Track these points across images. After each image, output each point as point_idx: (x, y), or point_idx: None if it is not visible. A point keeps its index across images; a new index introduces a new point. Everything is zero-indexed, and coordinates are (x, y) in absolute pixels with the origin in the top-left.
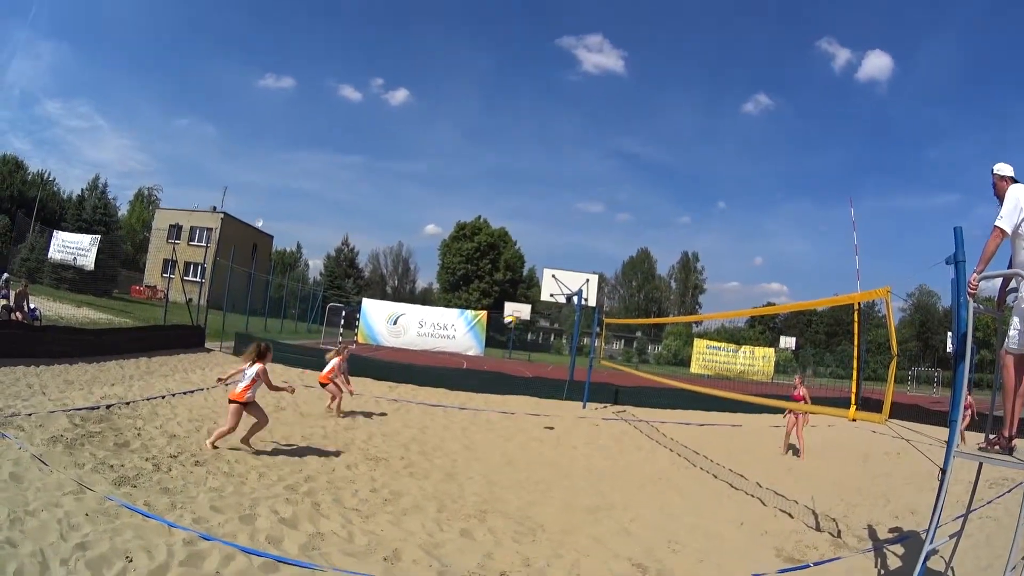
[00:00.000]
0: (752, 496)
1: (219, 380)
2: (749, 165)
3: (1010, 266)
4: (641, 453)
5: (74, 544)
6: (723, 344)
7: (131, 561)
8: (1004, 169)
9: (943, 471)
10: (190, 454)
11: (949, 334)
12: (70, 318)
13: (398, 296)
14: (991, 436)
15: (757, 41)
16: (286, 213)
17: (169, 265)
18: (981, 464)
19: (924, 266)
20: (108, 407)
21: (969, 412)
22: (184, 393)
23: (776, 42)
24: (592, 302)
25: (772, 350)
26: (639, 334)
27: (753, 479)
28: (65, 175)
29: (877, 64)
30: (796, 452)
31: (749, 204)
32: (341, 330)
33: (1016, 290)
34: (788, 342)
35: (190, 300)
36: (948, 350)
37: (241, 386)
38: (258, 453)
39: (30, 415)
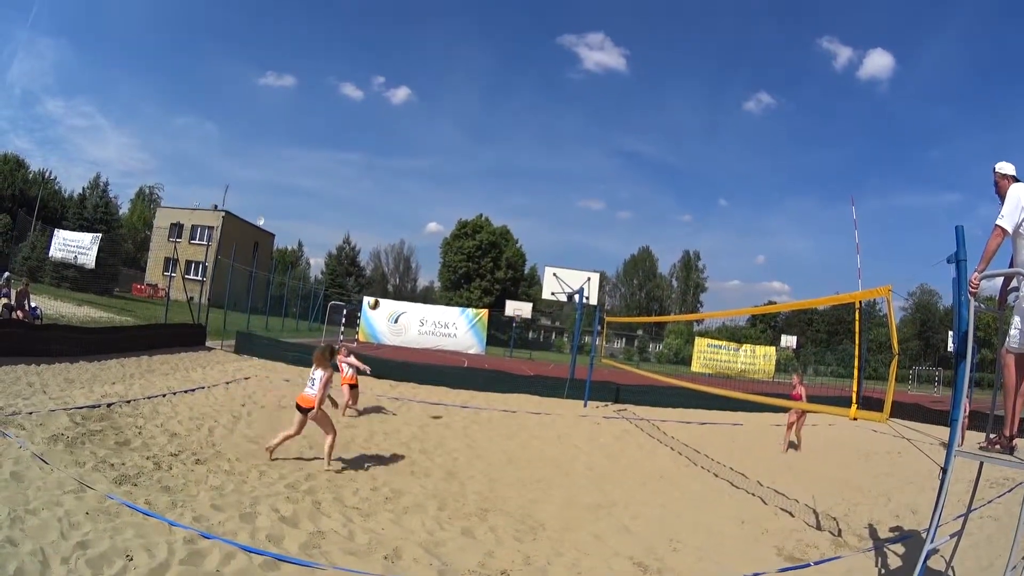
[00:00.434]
0: (753, 495)
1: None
2: (750, 163)
3: (1011, 265)
4: (642, 451)
5: (75, 542)
6: (724, 343)
7: (132, 560)
8: (1006, 168)
9: (944, 470)
10: (191, 452)
11: (950, 333)
12: (71, 317)
13: (399, 295)
14: (992, 436)
15: (758, 40)
16: (287, 211)
17: (170, 263)
18: (982, 464)
19: (925, 265)
20: (109, 406)
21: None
22: (185, 391)
23: (778, 41)
24: (593, 300)
25: (773, 349)
26: (640, 332)
27: (754, 478)
28: (66, 174)
29: (879, 63)
30: (795, 447)
31: (750, 202)
32: (342, 328)
33: (1017, 289)
34: (789, 341)
35: (191, 298)
36: (949, 349)
37: (313, 392)
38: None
39: (31, 414)
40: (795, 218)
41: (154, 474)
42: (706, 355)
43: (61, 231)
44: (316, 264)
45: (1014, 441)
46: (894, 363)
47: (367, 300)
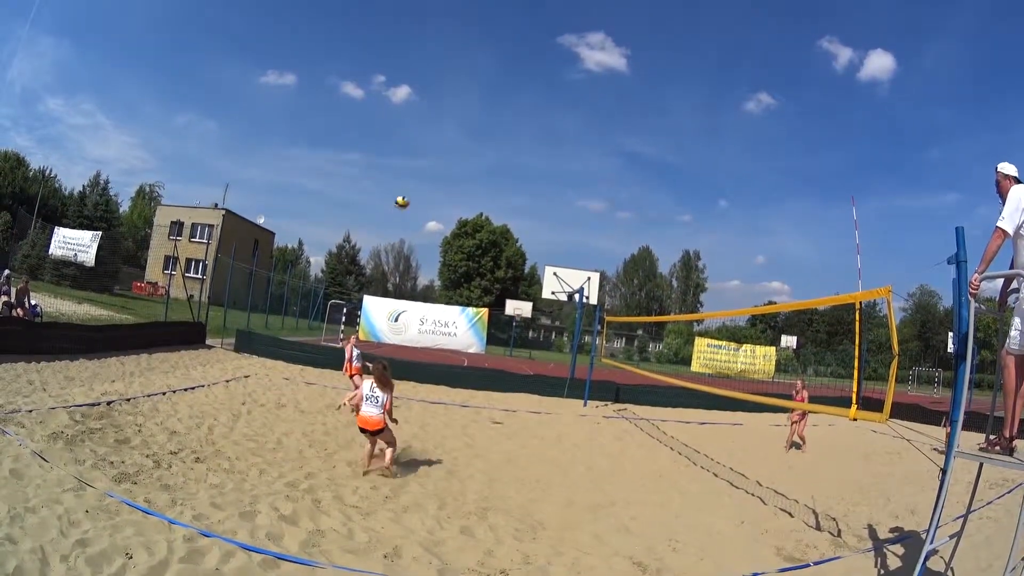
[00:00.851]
0: (752, 495)
1: (347, 404)
2: (751, 164)
3: (1011, 267)
4: (642, 451)
5: (74, 541)
6: (724, 343)
7: (131, 558)
8: (1008, 168)
9: (943, 471)
10: (191, 451)
11: (950, 334)
12: (71, 314)
13: (399, 293)
14: (992, 437)
15: (759, 40)
16: (288, 210)
17: (170, 262)
18: (981, 464)
19: (925, 266)
20: (109, 404)
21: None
22: (185, 390)
23: (778, 41)
24: (593, 300)
25: (773, 349)
26: (640, 332)
27: (753, 478)
28: (67, 172)
29: (879, 64)
30: (799, 447)
31: (751, 203)
32: (342, 327)
33: (1017, 291)
34: (789, 341)
35: (191, 297)
36: (949, 350)
37: (378, 413)
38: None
39: (31, 411)
40: (795, 218)
41: (154, 472)
42: (706, 355)
43: (61, 229)
44: (316, 263)
45: (1014, 442)
46: (894, 364)
47: (397, 198)
